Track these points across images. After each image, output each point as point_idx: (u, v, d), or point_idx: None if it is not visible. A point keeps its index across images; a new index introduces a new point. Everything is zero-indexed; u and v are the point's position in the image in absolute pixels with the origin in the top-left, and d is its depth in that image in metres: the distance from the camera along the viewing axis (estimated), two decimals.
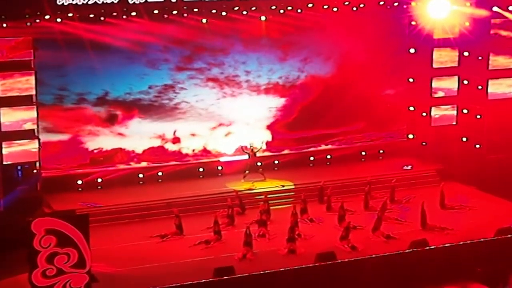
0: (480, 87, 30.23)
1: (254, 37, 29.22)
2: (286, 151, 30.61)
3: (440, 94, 30.73)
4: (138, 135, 28.57)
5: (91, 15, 25.91)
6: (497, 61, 29.92)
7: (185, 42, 28.39)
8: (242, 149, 29.07)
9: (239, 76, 29.55)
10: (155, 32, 27.40)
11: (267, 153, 30.02)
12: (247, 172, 28.61)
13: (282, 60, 29.96)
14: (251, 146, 29.03)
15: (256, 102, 29.95)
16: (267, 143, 30.28)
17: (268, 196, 26.51)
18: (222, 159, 29.56)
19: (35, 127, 25.52)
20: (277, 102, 30.20)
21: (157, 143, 28.94)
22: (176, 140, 29.16)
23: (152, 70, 28.32)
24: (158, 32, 27.49)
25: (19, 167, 25.90)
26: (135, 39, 27.28)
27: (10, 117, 25.05)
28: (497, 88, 30.22)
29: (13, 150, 25.23)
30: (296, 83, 30.37)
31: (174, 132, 29.09)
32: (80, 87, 27.51)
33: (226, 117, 29.63)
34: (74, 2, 25.27)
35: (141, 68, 28.14)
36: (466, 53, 30.15)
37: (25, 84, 25.07)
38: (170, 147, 29.13)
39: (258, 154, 29.06)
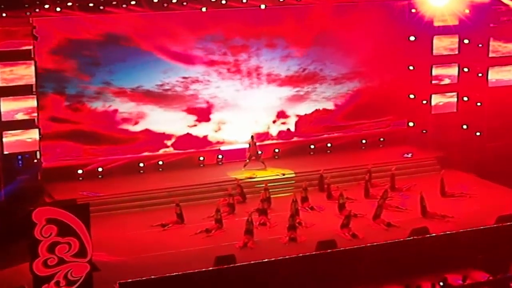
0: (480, 74, 30.31)
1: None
2: (295, 138, 30.74)
3: (447, 81, 30.73)
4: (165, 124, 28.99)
5: (91, 4, 25.87)
6: (508, 48, 30.12)
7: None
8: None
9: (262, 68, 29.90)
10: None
11: (268, 142, 30.05)
12: (247, 161, 28.60)
13: (287, 56, 30.06)
14: (252, 136, 29.05)
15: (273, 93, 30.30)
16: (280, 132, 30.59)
17: (269, 184, 26.50)
18: (222, 147, 29.56)
19: (27, 117, 25.45)
20: (286, 92, 30.37)
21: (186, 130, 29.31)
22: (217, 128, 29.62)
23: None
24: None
25: (19, 157, 25.91)
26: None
27: (7, 107, 25.10)
28: (505, 75, 30.28)
29: (14, 140, 25.27)
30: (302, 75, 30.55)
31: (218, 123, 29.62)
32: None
33: (246, 106, 29.88)
34: None
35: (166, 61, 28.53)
36: (466, 41, 30.20)
37: (25, 73, 25.09)
38: (199, 133, 29.42)
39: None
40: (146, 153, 28.63)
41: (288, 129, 30.58)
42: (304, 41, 29.98)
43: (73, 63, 27.24)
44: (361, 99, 31.22)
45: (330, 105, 31.02)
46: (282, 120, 30.41)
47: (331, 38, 30.34)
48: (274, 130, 30.37)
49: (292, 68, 30.19)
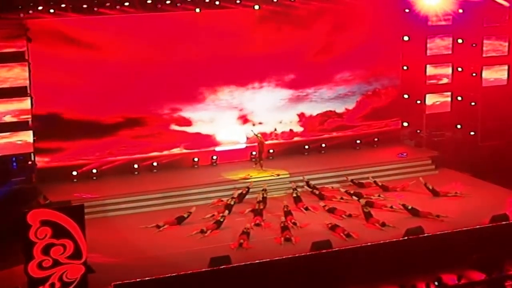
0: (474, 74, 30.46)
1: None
2: (297, 138, 30.64)
3: (445, 80, 30.80)
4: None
5: (84, 6, 25.85)
6: (504, 47, 30.46)
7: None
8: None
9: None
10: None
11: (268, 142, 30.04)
12: (261, 161, 28.53)
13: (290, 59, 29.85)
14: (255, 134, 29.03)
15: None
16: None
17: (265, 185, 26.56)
18: (217, 148, 29.51)
19: (15, 119, 25.37)
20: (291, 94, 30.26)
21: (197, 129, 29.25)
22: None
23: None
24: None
25: (13, 159, 25.88)
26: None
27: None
28: (502, 74, 30.55)
29: (4, 142, 25.24)
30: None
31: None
32: None
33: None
34: None
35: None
36: (460, 40, 30.31)
37: (19, 75, 25.08)
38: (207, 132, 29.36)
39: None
40: (154, 153, 28.51)
41: (291, 130, 30.51)
42: (306, 42, 29.83)
43: None
44: (370, 101, 31.23)
45: (337, 107, 30.96)
46: (297, 120, 30.37)
47: (338, 39, 30.27)
48: (279, 131, 30.31)
49: (296, 71, 29.98)
